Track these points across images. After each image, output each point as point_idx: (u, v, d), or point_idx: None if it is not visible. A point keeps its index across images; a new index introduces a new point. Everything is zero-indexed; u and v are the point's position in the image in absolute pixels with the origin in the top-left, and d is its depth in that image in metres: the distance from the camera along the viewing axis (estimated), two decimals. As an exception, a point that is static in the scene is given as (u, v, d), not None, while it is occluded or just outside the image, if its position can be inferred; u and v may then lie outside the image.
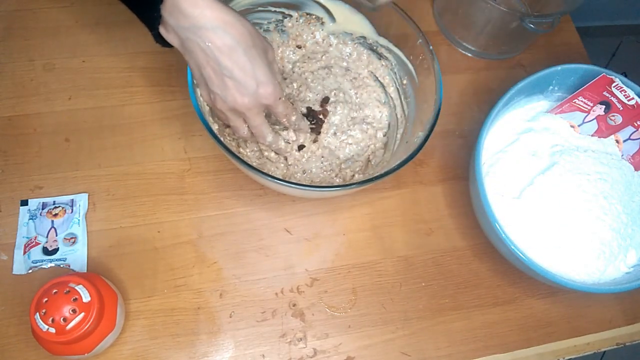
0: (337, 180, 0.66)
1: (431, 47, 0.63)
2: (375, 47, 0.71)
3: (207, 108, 0.62)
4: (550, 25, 0.70)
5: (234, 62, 0.50)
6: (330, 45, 0.73)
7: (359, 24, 0.70)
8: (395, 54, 0.69)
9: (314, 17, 0.71)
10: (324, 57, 0.72)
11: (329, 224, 0.67)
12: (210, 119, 0.59)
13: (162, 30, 0.50)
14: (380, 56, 0.71)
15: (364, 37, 0.71)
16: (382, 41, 0.70)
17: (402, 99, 0.70)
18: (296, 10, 0.70)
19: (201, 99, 0.57)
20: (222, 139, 0.56)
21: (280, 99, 0.55)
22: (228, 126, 0.63)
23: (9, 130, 0.67)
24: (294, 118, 0.60)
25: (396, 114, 0.70)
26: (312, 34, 0.72)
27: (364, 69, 0.72)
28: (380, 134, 0.70)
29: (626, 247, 0.63)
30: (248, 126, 0.57)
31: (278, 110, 0.56)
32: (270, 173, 0.62)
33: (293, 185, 0.55)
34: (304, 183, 0.64)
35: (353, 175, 0.66)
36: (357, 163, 0.67)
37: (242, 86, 0.51)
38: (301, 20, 0.71)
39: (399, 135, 0.68)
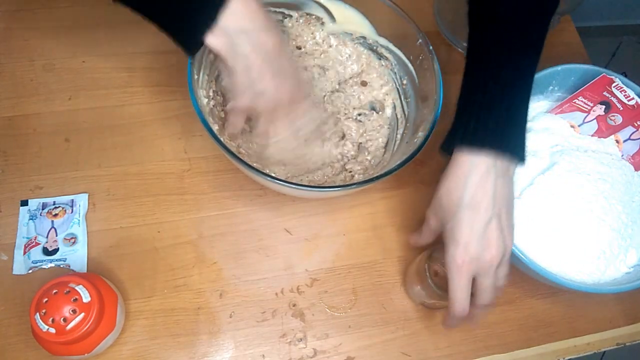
0: (337, 180, 0.65)
1: (431, 47, 0.63)
2: (375, 47, 0.71)
3: (208, 108, 0.62)
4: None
5: (280, 61, 0.52)
6: (330, 45, 0.73)
7: (359, 24, 0.70)
8: (395, 54, 0.69)
9: (313, 17, 0.71)
10: (323, 56, 0.72)
11: (329, 224, 0.67)
12: (210, 119, 0.59)
13: (209, 36, 0.49)
14: (380, 56, 0.71)
15: (364, 37, 0.71)
16: (382, 41, 0.70)
17: (402, 99, 0.70)
18: (296, 10, 0.70)
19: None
20: (222, 139, 0.56)
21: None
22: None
23: (9, 131, 0.67)
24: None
25: (396, 114, 0.70)
26: (312, 34, 0.72)
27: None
28: (380, 134, 0.70)
29: (626, 247, 0.63)
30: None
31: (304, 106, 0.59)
32: (270, 173, 0.62)
33: (293, 185, 0.55)
34: (304, 183, 0.64)
35: (353, 176, 0.66)
36: (358, 163, 0.67)
37: (286, 83, 0.54)
38: (301, 21, 0.71)
39: (399, 136, 0.68)
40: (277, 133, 0.58)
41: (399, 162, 0.58)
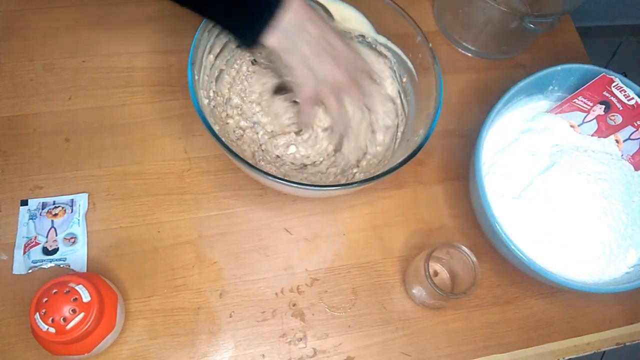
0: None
1: (431, 46, 0.63)
2: (374, 46, 0.71)
3: (209, 108, 0.62)
4: (550, 25, 0.70)
5: (331, 45, 0.56)
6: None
7: (358, 22, 0.70)
8: (395, 52, 0.69)
9: (313, 16, 0.71)
10: None
11: (329, 224, 0.67)
12: (211, 119, 0.59)
13: (268, 37, 0.54)
14: (379, 54, 0.71)
15: (363, 36, 0.71)
16: (381, 39, 0.70)
17: (402, 97, 0.70)
18: (296, 10, 0.70)
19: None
20: (223, 138, 0.56)
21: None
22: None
23: (9, 130, 0.67)
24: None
25: (396, 113, 0.70)
26: (312, 33, 0.72)
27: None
28: (380, 134, 0.69)
29: (626, 247, 0.63)
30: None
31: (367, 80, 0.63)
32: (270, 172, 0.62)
33: (293, 184, 0.55)
34: (304, 183, 0.64)
35: (353, 175, 0.66)
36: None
37: (343, 59, 0.57)
38: (301, 20, 0.71)
39: (399, 135, 0.68)
40: (347, 110, 0.62)
41: (399, 161, 0.58)
